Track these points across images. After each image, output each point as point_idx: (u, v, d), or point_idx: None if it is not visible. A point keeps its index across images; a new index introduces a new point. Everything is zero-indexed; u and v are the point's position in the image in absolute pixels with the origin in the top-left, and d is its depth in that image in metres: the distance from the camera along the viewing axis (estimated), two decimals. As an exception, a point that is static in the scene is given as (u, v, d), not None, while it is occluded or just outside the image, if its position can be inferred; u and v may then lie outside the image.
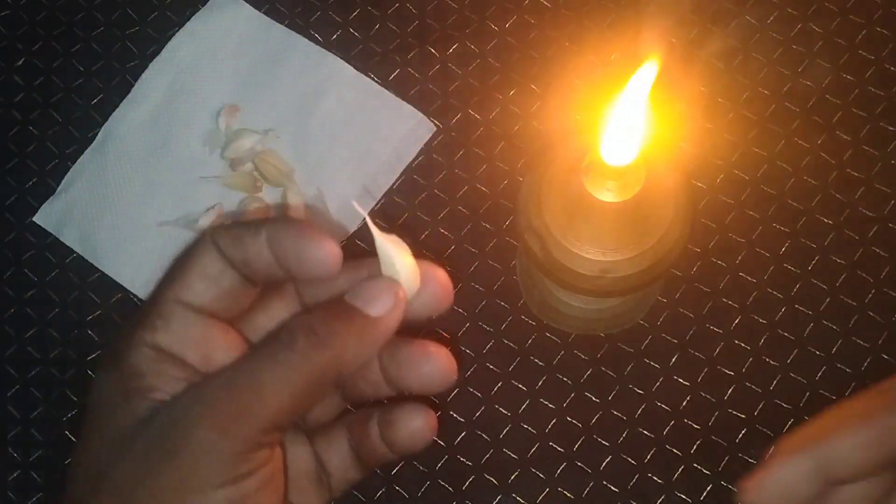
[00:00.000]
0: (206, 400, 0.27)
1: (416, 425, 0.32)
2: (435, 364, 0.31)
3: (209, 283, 0.30)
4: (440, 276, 0.32)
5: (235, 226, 0.30)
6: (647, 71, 0.33)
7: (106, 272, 0.53)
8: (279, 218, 0.30)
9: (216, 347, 0.30)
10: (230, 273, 0.30)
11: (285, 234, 0.29)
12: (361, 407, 0.33)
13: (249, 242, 0.29)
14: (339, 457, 0.33)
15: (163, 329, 0.29)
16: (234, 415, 0.27)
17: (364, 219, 0.53)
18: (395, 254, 0.30)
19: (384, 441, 0.33)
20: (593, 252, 0.41)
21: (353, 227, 0.53)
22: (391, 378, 0.32)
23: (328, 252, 0.29)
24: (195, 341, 0.30)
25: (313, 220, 0.30)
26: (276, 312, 0.33)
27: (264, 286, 0.31)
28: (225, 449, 0.27)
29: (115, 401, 0.28)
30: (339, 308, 0.29)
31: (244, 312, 0.31)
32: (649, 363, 0.50)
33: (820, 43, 0.56)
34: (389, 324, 0.30)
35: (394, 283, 0.30)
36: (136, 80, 0.57)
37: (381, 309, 0.29)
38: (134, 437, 0.28)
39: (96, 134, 0.56)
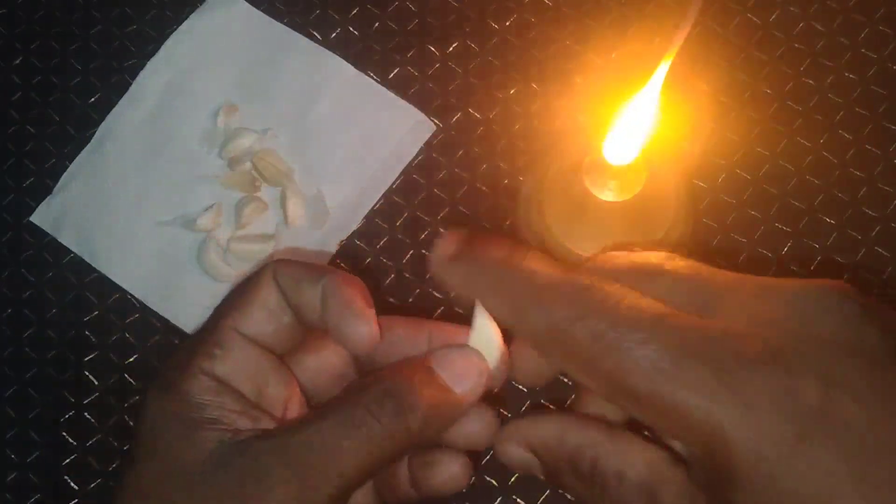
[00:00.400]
0: (289, 457, 0.28)
1: (455, 470, 0.32)
2: (483, 422, 0.32)
3: (269, 316, 0.30)
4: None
5: (297, 266, 0.30)
6: (662, 70, 0.33)
7: (104, 272, 0.53)
8: (338, 274, 0.30)
9: (269, 381, 0.30)
10: (288, 310, 0.30)
11: (337, 297, 0.29)
12: None
13: (306, 289, 0.30)
14: (363, 498, 0.33)
15: (221, 358, 0.29)
16: (314, 476, 0.27)
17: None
18: (491, 334, 0.30)
19: (415, 484, 0.33)
20: (594, 252, 0.40)
21: (353, 226, 0.53)
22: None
23: (366, 333, 0.29)
24: (251, 373, 0.30)
25: (366, 293, 0.32)
26: (326, 355, 0.33)
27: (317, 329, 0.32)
28: None
29: (176, 432, 0.28)
30: (425, 378, 0.29)
31: (296, 349, 0.32)
32: (651, 364, 0.50)
33: (822, 41, 0.56)
34: (470, 402, 0.30)
35: (483, 361, 0.30)
36: (134, 78, 0.56)
37: (469, 388, 0.30)
38: (205, 476, 0.27)
39: (94, 133, 0.55)
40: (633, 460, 0.28)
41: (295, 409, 0.32)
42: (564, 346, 0.26)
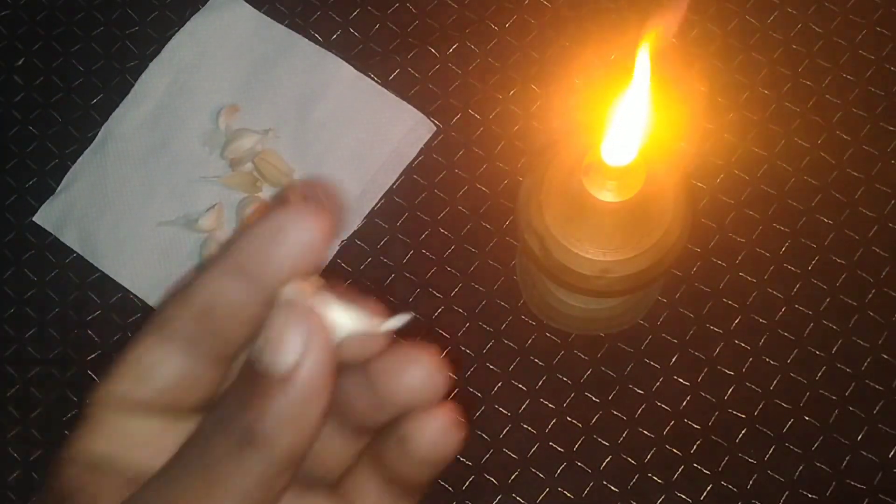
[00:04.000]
0: None
1: (432, 431, 0.25)
2: (416, 371, 0.25)
3: (140, 378, 0.24)
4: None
5: (181, 290, 0.24)
6: (644, 60, 0.33)
7: (106, 272, 0.53)
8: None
9: (168, 447, 0.24)
10: (177, 361, 0.24)
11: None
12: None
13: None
14: (373, 498, 0.27)
15: (90, 436, 0.24)
16: None
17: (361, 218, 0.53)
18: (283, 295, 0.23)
19: (410, 460, 0.26)
20: (593, 252, 0.41)
21: (353, 227, 0.53)
22: (380, 397, 0.25)
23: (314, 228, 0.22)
24: (134, 445, 0.24)
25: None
26: None
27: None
28: None
29: None
30: (249, 383, 0.22)
31: (204, 398, 0.25)
32: (649, 363, 0.50)
33: (820, 43, 0.56)
34: (317, 362, 0.22)
35: (287, 311, 0.22)
36: (135, 79, 0.57)
37: (293, 353, 0.22)
38: None
39: (96, 134, 0.56)
40: None
41: None
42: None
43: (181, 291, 0.24)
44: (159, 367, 0.24)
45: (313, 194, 0.25)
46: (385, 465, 0.27)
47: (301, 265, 0.23)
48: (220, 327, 0.24)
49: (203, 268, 0.24)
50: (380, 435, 0.27)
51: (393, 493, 0.27)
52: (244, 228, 0.23)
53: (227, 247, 0.23)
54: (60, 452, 0.24)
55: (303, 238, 0.23)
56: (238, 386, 0.23)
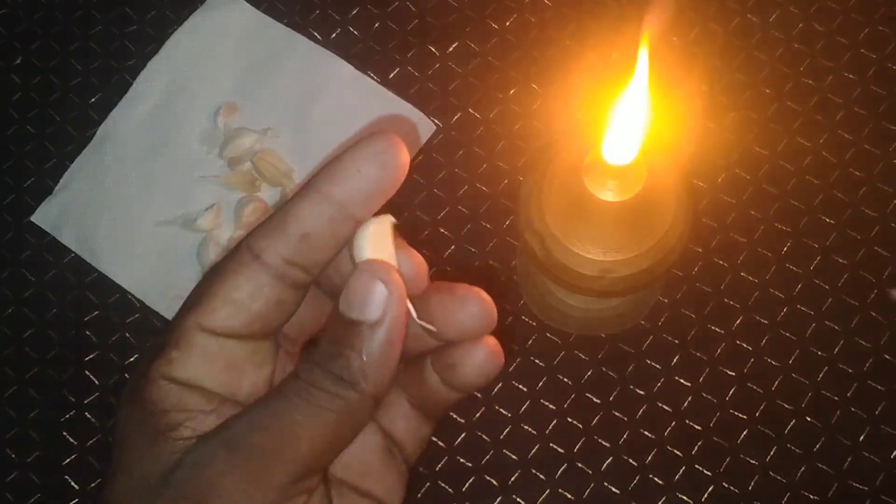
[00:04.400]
0: (233, 445, 0.25)
1: (479, 358, 0.29)
2: (473, 307, 0.28)
3: (235, 309, 0.27)
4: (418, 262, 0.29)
5: (274, 221, 0.27)
6: (643, 59, 0.33)
7: (104, 272, 0.53)
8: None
9: (245, 370, 0.28)
10: (269, 290, 0.27)
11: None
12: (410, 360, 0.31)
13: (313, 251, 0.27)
14: (403, 420, 0.31)
15: (180, 361, 0.26)
16: (263, 463, 0.25)
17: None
18: (361, 234, 0.27)
19: (447, 385, 0.30)
20: (594, 252, 0.41)
21: (352, 227, 0.53)
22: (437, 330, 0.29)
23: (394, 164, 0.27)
24: (218, 369, 0.27)
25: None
26: (305, 305, 0.29)
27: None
28: (256, 500, 0.25)
29: (139, 443, 0.26)
30: (342, 329, 0.26)
31: (284, 322, 0.28)
32: (650, 364, 0.50)
33: (822, 42, 0.56)
34: (393, 320, 0.26)
35: (370, 269, 0.27)
36: (134, 78, 0.56)
37: (377, 311, 0.26)
38: (160, 486, 0.25)
39: (94, 133, 0.55)
40: None
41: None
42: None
43: (275, 221, 0.27)
44: (255, 297, 0.27)
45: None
46: (418, 388, 0.30)
47: (386, 188, 0.28)
48: (314, 252, 0.27)
49: (294, 197, 0.27)
50: (414, 362, 0.30)
51: (417, 416, 0.31)
52: (331, 159, 0.27)
53: (318, 176, 0.27)
54: (145, 369, 0.26)
55: (388, 161, 0.28)
56: (331, 331, 0.26)
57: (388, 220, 0.29)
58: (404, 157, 0.28)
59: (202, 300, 0.27)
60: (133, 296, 0.52)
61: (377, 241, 0.28)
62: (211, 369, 0.27)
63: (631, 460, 0.49)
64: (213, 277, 0.27)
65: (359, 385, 0.26)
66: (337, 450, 0.27)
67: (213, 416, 0.27)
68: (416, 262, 0.29)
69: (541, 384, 0.50)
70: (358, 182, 0.27)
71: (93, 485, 0.49)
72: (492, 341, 0.29)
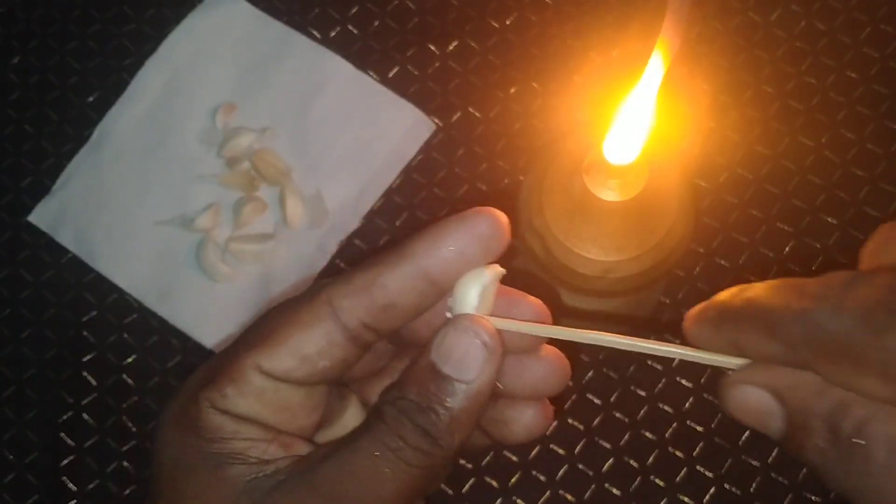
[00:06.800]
0: (323, 491, 0.26)
1: (528, 420, 0.29)
2: (548, 366, 0.28)
3: (302, 361, 0.26)
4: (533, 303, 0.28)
5: (360, 281, 0.26)
6: (657, 66, 0.33)
7: (102, 272, 0.52)
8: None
9: (299, 414, 0.28)
10: (339, 350, 0.27)
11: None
12: None
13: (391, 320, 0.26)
14: None
15: (233, 397, 0.27)
16: None
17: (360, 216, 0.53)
18: (478, 286, 0.26)
19: (491, 438, 0.30)
20: (595, 252, 0.40)
21: (352, 226, 0.53)
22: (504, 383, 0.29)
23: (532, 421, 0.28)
24: (274, 409, 0.27)
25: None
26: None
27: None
28: None
29: (201, 470, 0.26)
30: (432, 381, 0.26)
31: (342, 375, 0.28)
32: (652, 365, 0.50)
33: (824, 40, 0.55)
34: (483, 384, 0.26)
35: (480, 328, 0.26)
36: (132, 77, 0.56)
37: (475, 372, 0.26)
38: None
39: (92, 132, 0.55)
40: None
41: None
42: (825, 345, 0.23)
43: (360, 283, 0.26)
44: (324, 355, 0.27)
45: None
46: None
47: (481, 262, 0.27)
48: (395, 320, 0.27)
49: (384, 262, 0.27)
50: None
51: None
52: (433, 226, 0.27)
53: (415, 242, 0.27)
54: (195, 396, 0.27)
55: (492, 247, 0.27)
56: (418, 380, 0.26)
57: (495, 274, 0.27)
58: (506, 238, 0.27)
59: (267, 342, 0.26)
60: (131, 296, 0.52)
61: (481, 293, 0.27)
62: (263, 409, 0.27)
63: (632, 462, 0.48)
64: (282, 319, 0.27)
65: (444, 441, 0.26)
66: (419, 496, 0.27)
67: (273, 444, 0.27)
68: (536, 312, 0.28)
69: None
70: (455, 262, 0.27)
71: (91, 486, 0.49)
72: (548, 404, 0.29)
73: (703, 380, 0.49)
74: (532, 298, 0.28)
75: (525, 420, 0.29)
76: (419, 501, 0.29)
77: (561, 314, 0.49)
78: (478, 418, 0.27)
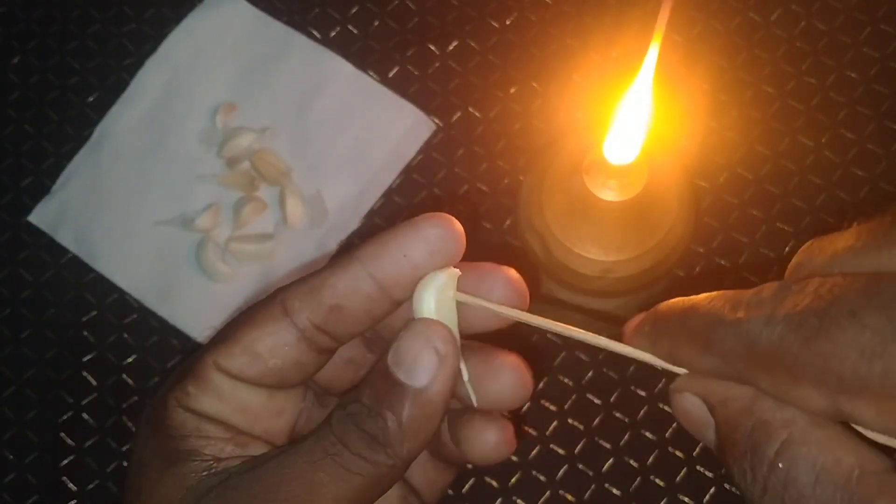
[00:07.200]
0: (260, 495, 0.25)
1: (489, 440, 0.29)
2: (509, 377, 0.28)
3: (253, 358, 0.27)
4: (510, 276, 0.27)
5: (310, 283, 0.26)
6: (650, 60, 0.33)
7: (102, 272, 0.52)
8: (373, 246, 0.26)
9: (262, 417, 0.28)
10: (290, 349, 0.26)
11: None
12: None
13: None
14: (422, 470, 0.31)
15: (196, 395, 0.27)
16: None
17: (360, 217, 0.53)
18: (424, 286, 0.26)
19: (452, 456, 0.30)
20: (595, 252, 0.40)
21: (352, 226, 0.53)
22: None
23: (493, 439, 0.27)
24: (234, 409, 0.27)
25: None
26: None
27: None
28: None
29: (158, 465, 0.26)
30: (386, 385, 0.25)
31: (303, 380, 0.28)
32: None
33: (824, 40, 0.55)
34: (439, 391, 0.25)
35: (426, 332, 0.25)
36: (132, 77, 0.56)
37: (428, 378, 0.25)
38: None
39: (92, 132, 0.55)
40: (841, 457, 0.21)
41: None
42: (759, 357, 0.22)
43: (311, 285, 0.26)
44: (275, 353, 0.27)
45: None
46: (435, 441, 0.29)
47: (429, 269, 0.26)
48: (345, 324, 0.26)
49: (334, 265, 0.26)
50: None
51: (436, 466, 0.31)
52: (378, 233, 0.26)
53: (363, 247, 0.26)
54: (165, 397, 0.27)
55: (439, 250, 0.26)
56: (372, 385, 0.25)
57: (453, 276, 0.27)
58: (459, 245, 0.26)
59: (225, 340, 0.27)
60: (131, 296, 0.52)
61: (438, 297, 0.26)
62: (224, 408, 0.27)
63: (632, 462, 0.48)
64: (242, 320, 0.27)
65: (392, 450, 0.25)
66: None
67: (230, 444, 0.27)
68: (510, 284, 0.27)
69: (541, 386, 0.50)
70: (402, 267, 0.26)
71: (90, 486, 0.49)
72: (507, 430, 0.29)
73: (703, 380, 0.49)
74: (506, 269, 0.27)
75: (484, 439, 0.29)
76: None
77: (563, 313, 0.50)
78: (432, 429, 0.26)
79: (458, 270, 0.27)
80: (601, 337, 0.26)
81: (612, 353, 0.28)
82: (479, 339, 0.28)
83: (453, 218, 0.26)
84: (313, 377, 0.29)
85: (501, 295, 0.27)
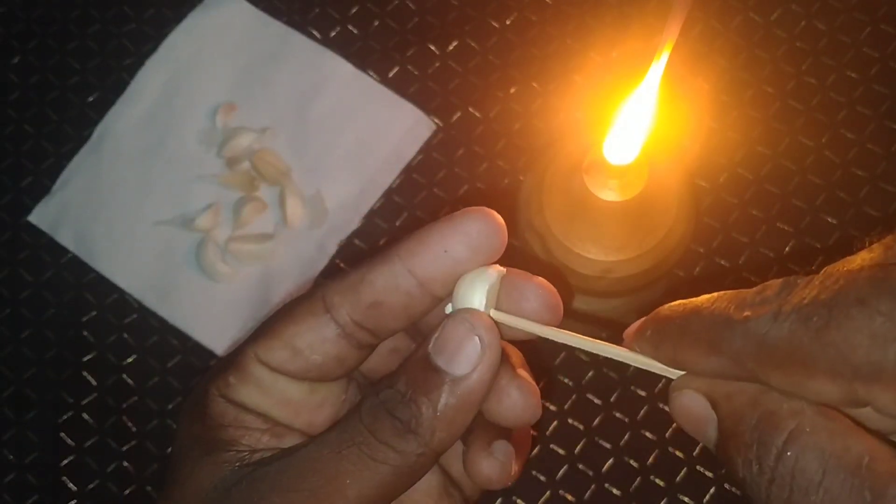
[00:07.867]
0: (286, 485, 0.25)
1: (486, 470, 0.28)
2: (516, 397, 0.26)
3: (294, 353, 0.26)
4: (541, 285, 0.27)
5: (350, 279, 0.26)
6: (659, 66, 0.33)
7: (102, 272, 0.52)
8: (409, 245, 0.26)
9: (302, 410, 0.28)
10: (330, 346, 0.26)
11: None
12: None
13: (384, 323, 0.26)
14: (460, 461, 0.29)
15: (236, 386, 0.27)
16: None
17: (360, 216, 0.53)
18: (471, 280, 0.25)
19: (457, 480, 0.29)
20: (595, 252, 0.40)
21: (352, 226, 0.53)
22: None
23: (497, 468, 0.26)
24: (275, 402, 0.27)
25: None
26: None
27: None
28: None
29: (196, 455, 0.26)
30: (424, 373, 0.25)
31: (344, 375, 0.28)
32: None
33: (824, 40, 0.55)
34: (479, 382, 0.25)
35: (479, 322, 0.25)
36: (132, 77, 0.56)
37: (467, 367, 0.24)
38: (217, 498, 0.25)
39: (92, 132, 0.55)
40: (850, 444, 0.21)
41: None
42: (770, 354, 0.22)
43: (350, 281, 0.26)
44: (315, 349, 0.26)
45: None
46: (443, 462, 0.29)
47: (471, 265, 0.26)
48: (385, 320, 0.26)
49: (373, 261, 0.26)
50: None
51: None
52: (419, 230, 0.26)
53: (404, 243, 0.26)
54: (206, 387, 0.27)
55: (480, 246, 0.26)
56: (409, 372, 0.25)
57: (497, 275, 0.26)
58: (501, 239, 0.26)
59: (266, 334, 0.27)
60: (131, 296, 0.52)
61: (483, 292, 0.26)
62: (265, 400, 0.27)
63: (632, 462, 0.48)
64: (284, 314, 0.27)
65: (422, 438, 0.24)
66: (388, 500, 0.25)
67: (267, 434, 0.27)
68: (544, 296, 0.27)
69: (541, 386, 0.50)
70: (443, 263, 0.26)
71: (91, 486, 0.49)
72: (508, 465, 0.28)
73: (703, 380, 0.49)
74: (538, 280, 0.27)
75: (482, 469, 0.28)
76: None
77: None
78: (466, 421, 0.25)
79: (503, 269, 0.26)
80: (639, 356, 0.25)
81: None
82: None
83: (494, 212, 0.26)
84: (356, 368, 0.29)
85: (534, 309, 0.27)
